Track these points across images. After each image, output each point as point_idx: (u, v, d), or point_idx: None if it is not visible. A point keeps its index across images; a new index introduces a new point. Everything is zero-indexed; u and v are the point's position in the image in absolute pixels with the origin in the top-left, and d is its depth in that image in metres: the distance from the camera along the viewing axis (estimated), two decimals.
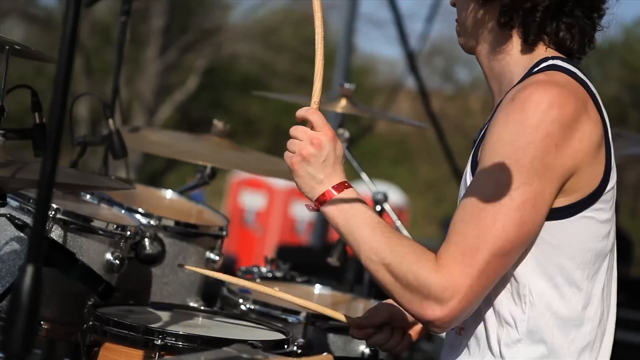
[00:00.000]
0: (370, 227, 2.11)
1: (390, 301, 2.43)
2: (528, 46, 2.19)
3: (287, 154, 2.20)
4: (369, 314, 2.44)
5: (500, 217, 1.98)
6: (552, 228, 2.06)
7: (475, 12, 2.23)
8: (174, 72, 18.82)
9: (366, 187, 3.71)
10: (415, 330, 2.47)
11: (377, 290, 3.75)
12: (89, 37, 17.39)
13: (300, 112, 2.20)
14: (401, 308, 2.14)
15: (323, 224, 11.04)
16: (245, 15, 20.09)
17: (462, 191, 2.25)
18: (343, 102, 3.53)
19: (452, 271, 1.98)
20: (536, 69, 2.14)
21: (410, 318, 2.42)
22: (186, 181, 3.65)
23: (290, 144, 2.19)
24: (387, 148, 21.29)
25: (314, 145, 2.16)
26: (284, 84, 19.12)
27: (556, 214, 2.06)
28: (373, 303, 3.43)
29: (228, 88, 19.78)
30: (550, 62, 2.14)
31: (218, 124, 3.43)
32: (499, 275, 2.03)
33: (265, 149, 19.16)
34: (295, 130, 2.20)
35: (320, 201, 2.16)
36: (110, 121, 3.19)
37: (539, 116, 1.99)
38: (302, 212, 14.94)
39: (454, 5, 2.31)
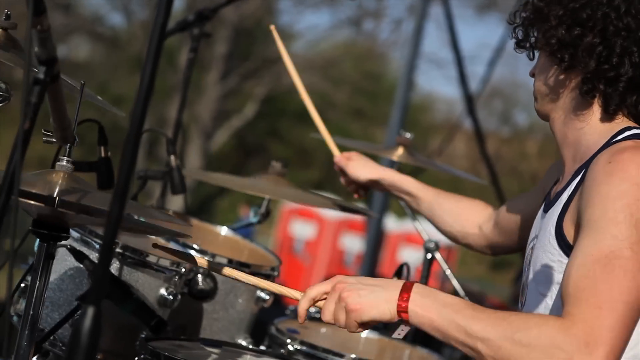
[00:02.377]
0: (470, 308, 1.99)
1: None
2: (608, 115, 2.20)
3: (335, 315, 2.09)
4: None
5: (628, 269, 1.95)
6: None
7: (556, 77, 2.25)
8: (233, 98, 19.04)
9: (419, 235, 3.74)
10: None
11: (423, 335, 3.77)
12: None
13: (302, 308, 2.13)
14: None
15: (372, 257, 11.05)
16: (308, 46, 20.31)
17: (529, 254, 2.27)
18: (400, 150, 3.58)
19: (591, 324, 1.90)
20: (619, 137, 2.16)
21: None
22: (238, 208, 3.72)
23: (328, 306, 2.10)
24: (440, 187, 21.29)
25: (340, 284, 2.09)
26: (341, 117, 19.24)
27: None
28: (420, 350, 3.45)
29: (285, 117, 19.96)
30: (634, 131, 2.17)
31: (276, 165, 3.49)
32: (634, 327, 1.97)
33: (317, 179, 19.29)
34: (316, 296, 2.13)
35: (402, 308, 2.03)
36: (172, 157, 3.27)
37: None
38: (351, 244, 14.97)
39: (532, 75, 2.32)
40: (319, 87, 18.90)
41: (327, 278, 2.17)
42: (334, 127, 19.49)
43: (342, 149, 3.45)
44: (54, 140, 2.18)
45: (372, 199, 10.72)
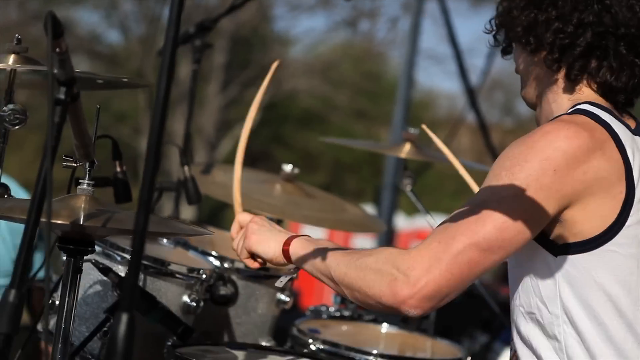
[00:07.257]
0: (341, 251, 2.24)
1: None
2: (572, 85, 2.28)
3: (237, 245, 2.45)
4: None
5: (483, 217, 2.06)
6: (578, 261, 2.13)
7: (528, 60, 2.35)
8: (235, 107, 19.08)
9: (430, 229, 3.78)
10: None
11: (444, 326, 3.81)
12: (153, 71, 17.72)
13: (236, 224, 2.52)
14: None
15: None
16: (305, 51, 20.34)
17: None
18: (407, 147, 3.63)
19: (423, 254, 2.07)
20: (569, 111, 2.24)
21: None
22: None
23: (238, 238, 2.47)
24: (448, 181, 21.31)
25: (251, 223, 2.44)
26: (343, 118, 19.28)
27: (579, 247, 2.13)
28: (441, 342, 3.50)
29: (288, 122, 20.00)
30: (584, 106, 2.23)
31: (286, 168, 3.54)
32: (473, 270, 2.06)
33: (324, 182, 19.35)
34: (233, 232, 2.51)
35: (285, 247, 2.33)
36: (186, 168, 3.33)
37: (544, 142, 2.11)
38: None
39: (517, 72, 2.41)
40: (319, 90, 18.94)
41: None
42: (337, 129, 19.57)
43: (349, 150, 3.47)
44: (74, 164, 2.24)
45: (381, 198, 10.77)
